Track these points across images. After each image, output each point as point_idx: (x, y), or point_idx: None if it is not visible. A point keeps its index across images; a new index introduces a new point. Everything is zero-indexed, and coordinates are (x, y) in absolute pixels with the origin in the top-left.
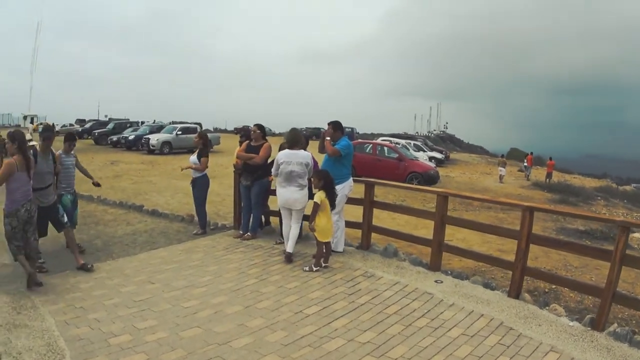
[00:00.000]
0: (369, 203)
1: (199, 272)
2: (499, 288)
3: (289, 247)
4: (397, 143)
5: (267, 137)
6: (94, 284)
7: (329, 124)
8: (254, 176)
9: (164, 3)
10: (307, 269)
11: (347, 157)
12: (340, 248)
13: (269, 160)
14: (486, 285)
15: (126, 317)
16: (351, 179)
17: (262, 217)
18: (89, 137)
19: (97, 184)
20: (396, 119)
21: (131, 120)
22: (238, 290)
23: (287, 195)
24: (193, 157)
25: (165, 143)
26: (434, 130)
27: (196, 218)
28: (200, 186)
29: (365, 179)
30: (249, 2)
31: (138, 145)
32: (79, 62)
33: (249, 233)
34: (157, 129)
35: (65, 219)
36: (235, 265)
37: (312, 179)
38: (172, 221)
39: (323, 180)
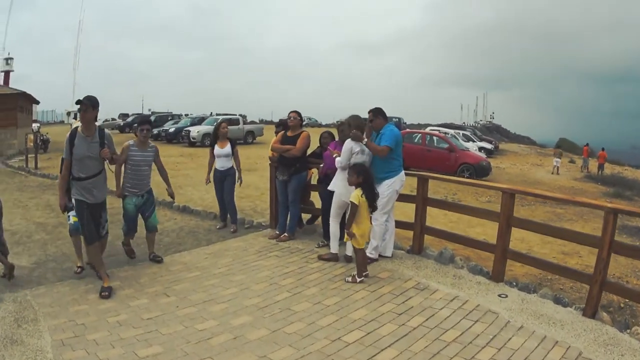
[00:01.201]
0: (422, 200)
1: (224, 283)
2: (571, 304)
3: (349, 249)
4: (445, 133)
5: (314, 128)
6: None
7: (369, 112)
8: (291, 170)
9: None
10: (349, 279)
11: (396, 147)
12: (389, 252)
13: (308, 152)
14: (557, 301)
15: (129, 340)
16: (403, 172)
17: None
18: (130, 130)
19: (172, 196)
20: (442, 109)
21: (174, 113)
22: (265, 308)
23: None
24: (224, 149)
25: (207, 135)
26: (481, 120)
27: (216, 214)
28: (232, 179)
29: (417, 172)
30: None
31: (179, 137)
32: (124, 59)
33: (285, 234)
34: (199, 121)
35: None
36: (266, 273)
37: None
38: (204, 219)
39: (361, 176)
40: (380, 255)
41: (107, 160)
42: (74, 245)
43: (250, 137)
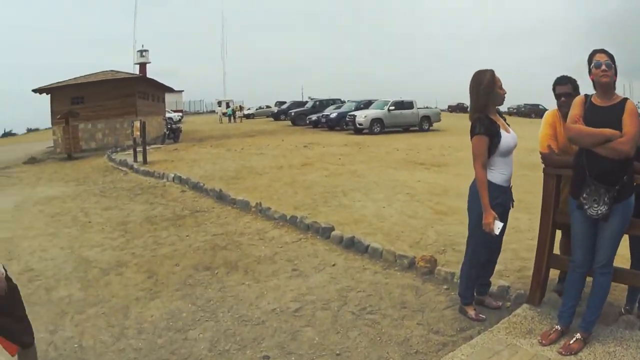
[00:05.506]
0: None
1: None
2: None
3: None
4: None
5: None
6: None
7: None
8: (613, 191)
9: None
10: None
11: None
12: None
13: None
14: None
15: None
16: None
17: None
18: (286, 117)
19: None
20: None
21: (335, 98)
22: None
23: None
24: (514, 135)
25: (375, 120)
26: None
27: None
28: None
29: None
30: None
31: (342, 124)
32: (280, 50)
33: (578, 335)
34: (365, 104)
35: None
36: None
37: None
38: (390, 267)
39: None
40: None
41: None
42: None
43: (426, 123)
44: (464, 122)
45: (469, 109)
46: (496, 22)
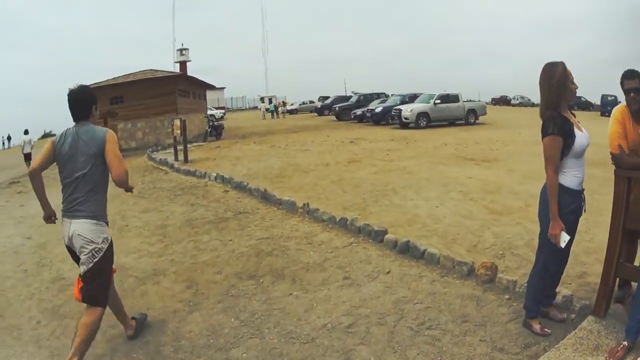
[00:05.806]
0: None
1: None
2: None
3: None
4: None
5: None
6: None
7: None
8: None
9: None
10: None
11: None
12: None
13: None
14: None
15: None
16: None
17: None
18: (330, 112)
19: None
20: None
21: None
22: None
23: None
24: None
25: (421, 114)
26: None
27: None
28: None
29: None
30: None
31: (387, 118)
32: (322, 45)
33: None
34: (410, 98)
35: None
36: None
37: None
38: (448, 274)
39: None
40: None
41: None
42: None
43: (472, 117)
44: (509, 114)
45: (539, 105)
46: (526, 17)
